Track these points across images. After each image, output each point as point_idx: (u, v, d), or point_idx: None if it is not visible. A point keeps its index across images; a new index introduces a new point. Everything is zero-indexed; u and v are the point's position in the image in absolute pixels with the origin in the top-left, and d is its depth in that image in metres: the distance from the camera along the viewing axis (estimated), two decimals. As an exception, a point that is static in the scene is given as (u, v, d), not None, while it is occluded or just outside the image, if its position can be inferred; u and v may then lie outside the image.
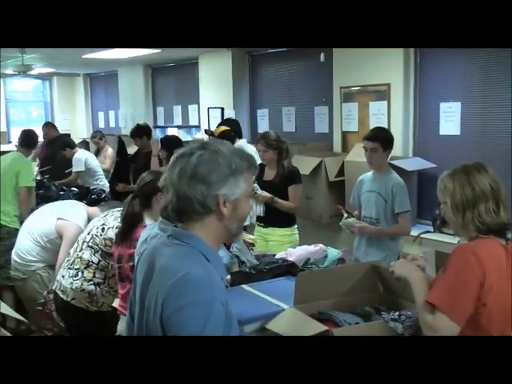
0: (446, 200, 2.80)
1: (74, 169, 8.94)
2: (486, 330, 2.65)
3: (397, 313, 3.07)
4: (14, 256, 5.55)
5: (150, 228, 3.30)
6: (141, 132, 8.51)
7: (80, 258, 4.43)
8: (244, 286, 3.77)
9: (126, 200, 4.03)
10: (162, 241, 2.22)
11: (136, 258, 3.18)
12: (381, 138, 5.08)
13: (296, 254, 4.54)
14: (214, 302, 1.97)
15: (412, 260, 3.03)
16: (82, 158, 8.98)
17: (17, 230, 6.25)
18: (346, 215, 5.17)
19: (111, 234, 4.30)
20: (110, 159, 10.17)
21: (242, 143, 7.10)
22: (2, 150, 10.78)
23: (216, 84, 10.63)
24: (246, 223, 6.29)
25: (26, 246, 5.47)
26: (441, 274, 2.74)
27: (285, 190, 5.71)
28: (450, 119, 6.93)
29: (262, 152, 5.77)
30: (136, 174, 7.72)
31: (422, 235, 6.55)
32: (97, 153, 10.28)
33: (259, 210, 5.70)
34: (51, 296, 4.83)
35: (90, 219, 5.28)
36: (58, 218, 5.40)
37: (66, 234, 5.27)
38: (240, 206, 2.16)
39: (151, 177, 3.88)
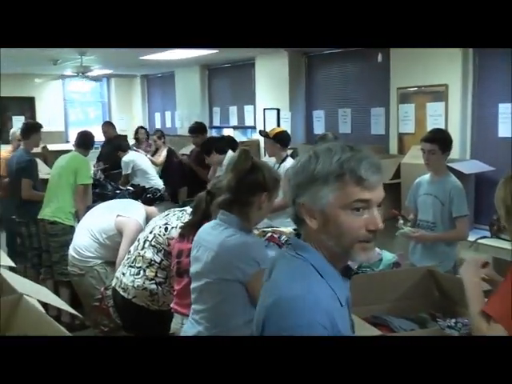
0: (500, 207, 2.73)
1: (123, 171, 9.04)
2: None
3: (453, 320, 3.02)
4: (71, 252, 5.61)
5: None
6: (201, 129, 8.57)
7: (142, 256, 4.46)
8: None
9: (199, 195, 4.03)
10: (283, 250, 2.12)
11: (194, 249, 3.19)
12: (439, 140, 4.98)
13: (350, 257, 4.51)
14: (313, 326, 1.78)
15: (481, 266, 2.92)
16: (129, 160, 9.05)
17: (71, 228, 6.35)
18: (401, 221, 5.08)
19: (174, 233, 4.31)
20: (162, 158, 10.25)
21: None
22: (60, 149, 11.03)
23: (272, 85, 10.62)
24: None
25: (84, 242, 5.52)
26: (502, 283, 2.66)
27: None
28: (508, 121, 6.79)
29: None
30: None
31: (479, 241, 6.43)
32: (154, 152, 10.34)
33: None
34: (108, 292, 4.86)
35: (148, 219, 5.33)
36: (118, 215, 5.45)
37: (125, 230, 5.30)
38: (330, 219, 1.86)
39: None
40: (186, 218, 4.39)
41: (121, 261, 4.92)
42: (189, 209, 4.53)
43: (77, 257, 5.53)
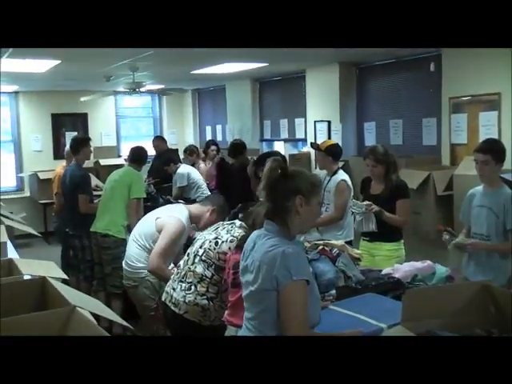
0: None
1: (178, 184, 9.10)
2: None
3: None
4: (124, 265, 5.67)
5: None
6: (241, 148, 8.56)
7: (193, 271, 4.47)
8: (330, 306, 3.79)
9: (254, 209, 4.04)
10: None
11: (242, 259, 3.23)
12: (493, 150, 4.88)
13: (403, 269, 4.46)
14: None
15: None
16: (184, 172, 9.13)
17: (123, 240, 6.42)
18: (447, 237, 4.98)
19: (225, 247, 4.33)
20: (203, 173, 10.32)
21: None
22: (112, 163, 11.19)
23: (323, 97, 10.60)
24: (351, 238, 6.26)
25: (133, 253, 5.56)
26: None
27: (392, 205, 5.62)
28: None
29: (371, 167, 5.72)
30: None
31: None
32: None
33: (372, 226, 5.62)
34: None
35: (191, 218, 5.36)
36: (157, 218, 5.47)
37: (166, 227, 5.31)
38: None
39: None
40: (236, 231, 4.40)
41: (158, 252, 5.01)
42: (237, 222, 4.54)
43: (129, 269, 5.58)
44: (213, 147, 10.78)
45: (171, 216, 5.40)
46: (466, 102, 7.74)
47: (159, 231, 5.37)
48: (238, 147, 8.58)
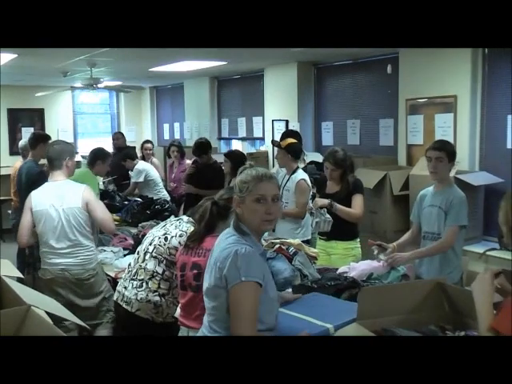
0: (502, 224, 2.74)
1: (133, 179, 9.04)
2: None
3: (462, 332, 3.01)
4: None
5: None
6: (206, 148, 8.51)
7: (144, 268, 4.44)
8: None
9: (202, 203, 4.03)
10: None
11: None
12: (446, 149, 5.00)
13: (359, 268, 4.51)
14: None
15: (494, 276, 2.90)
16: (142, 169, 9.08)
17: None
18: (376, 251, 4.96)
19: (175, 242, 4.31)
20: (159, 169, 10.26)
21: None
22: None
23: (281, 96, 10.63)
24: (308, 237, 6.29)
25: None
26: (509, 298, 2.65)
27: (348, 203, 5.67)
28: (518, 132, 6.80)
29: (330, 170, 5.75)
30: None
31: (488, 252, 6.42)
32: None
33: (327, 227, 5.63)
34: None
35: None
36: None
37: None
38: None
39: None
40: (184, 225, 4.39)
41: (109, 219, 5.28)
42: (185, 217, 4.54)
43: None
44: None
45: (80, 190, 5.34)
46: (423, 104, 7.83)
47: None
48: (203, 146, 8.53)
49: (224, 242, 3.03)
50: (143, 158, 10.06)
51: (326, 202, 5.56)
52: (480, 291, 2.76)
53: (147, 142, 10.84)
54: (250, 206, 3.02)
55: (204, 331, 3.13)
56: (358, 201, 5.71)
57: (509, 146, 6.89)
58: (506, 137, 6.92)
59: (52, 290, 5.12)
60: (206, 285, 3.09)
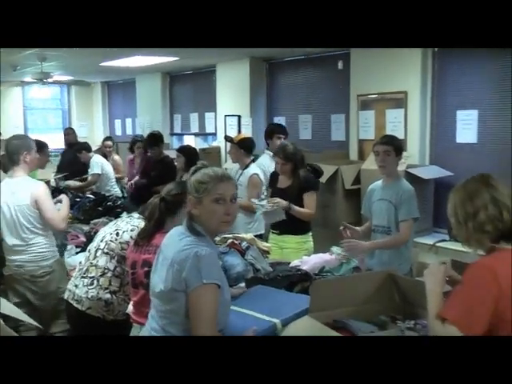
0: (451, 216, 2.81)
1: (92, 171, 8.99)
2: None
3: (412, 322, 3.05)
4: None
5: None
6: (157, 141, 8.48)
7: (95, 265, 4.38)
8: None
9: (151, 201, 4.00)
10: None
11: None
12: (393, 143, 5.08)
13: (311, 262, 4.53)
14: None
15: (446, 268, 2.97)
16: (98, 161, 9.04)
17: None
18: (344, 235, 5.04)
19: (127, 237, 4.27)
20: (121, 167, 10.21)
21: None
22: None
23: (233, 92, 10.64)
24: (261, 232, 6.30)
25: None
26: (457, 287, 2.71)
27: (300, 198, 5.70)
28: (467, 127, 6.91)
29: (280, 165, 5.77)
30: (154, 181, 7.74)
31: (438, 244, 6.52)
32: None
33: (279, 217, 5.65)
34: None
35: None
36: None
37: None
38: None
39: (182, 186, 3.83)
40: (135, 221, 4.36)
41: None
42: (135, 214, 4.51)
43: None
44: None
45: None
46: (374, 100, 7.91)
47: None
48: (155, 138, 8.49)
49: (179, 243, 2.94)
50: (104, 156, 9.99)
51: (284, 204, 5.58)
52: (431, 281, 2.83)
53: (107, 138, 10.78)
54: (209, 206, 2.94)
55: (155, 335, 3.02)
56: (310, 199, 5.74)
57: (458, 141, 7.01)
58: (455, 132, 7.04)
59: (11, 287, 5.13)
60: (158, 287, 2.98)
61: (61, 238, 5.83)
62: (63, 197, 5.62)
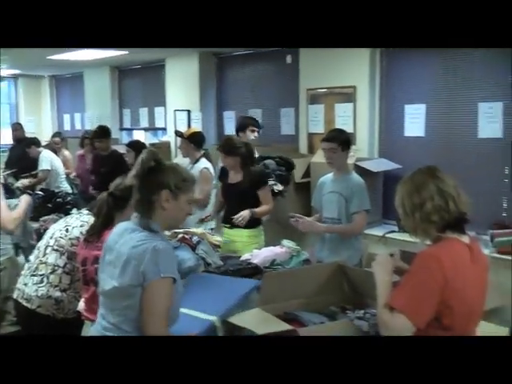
0: (398, 207, 2.88)
1: (41, 167, 8.89)
2: (448, 329, 2.68)
3: (362, 311, 3.10)
4: None
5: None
6: (106, 133, 8.44)
7: (45, 263, 4.32)
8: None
9: (99, 197, 3.98)
10: None
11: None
12: (338, 139, 5.12)
13: (261, 255, 4.55)
14: None
15: (394, 259, 3.03)
16: (48, 156, 8.95)
17: None
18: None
19: (77, 232, 4.23)
20: (70, 162, 10.12)
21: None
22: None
23: (183, 86, 10.60)
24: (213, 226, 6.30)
25: None
26: (404, 277, 2.77)
27: (254, 194, 5.70)
28: (414, 121, 7.01)
29: (223, 158, 5.79)
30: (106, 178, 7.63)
31: (388, 235, 6.59)
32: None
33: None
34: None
35: None
36: None
37: None
38: None
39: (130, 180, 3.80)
40: (85, 217, 4.33)
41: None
42: (85, 210, 4.48)
43: None
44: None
45: None
46: (323, 94, 7.96)
47: None
48: (104, 129, 8.46)
49: (132, 238, 2.90)
50: (53, 151, 9.86)
51: (247, 215, 5.59)
52: (379, 271, 2.89)
53: (56, 134, 10.67)
54: (182, 205, 2.98)
55: (109, 335, 2.94)
56: (266, 195, 5.76)
57: (406, 134, 7.11)
58: (403, 125, 7.14)
59: None
60: (110, 285, 2.94)
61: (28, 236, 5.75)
62: (23, 197, 5.50)
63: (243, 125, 6.90)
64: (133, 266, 2.82)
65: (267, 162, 7.06)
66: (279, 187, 6.61)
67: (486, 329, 3.38)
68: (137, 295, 2.83)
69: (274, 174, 6.81)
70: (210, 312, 3.24)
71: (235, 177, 5.82)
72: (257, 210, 5.65)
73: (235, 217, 5.55)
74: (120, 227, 3.09)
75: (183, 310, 3.25)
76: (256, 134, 6.79)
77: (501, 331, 3.81)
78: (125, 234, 2.98)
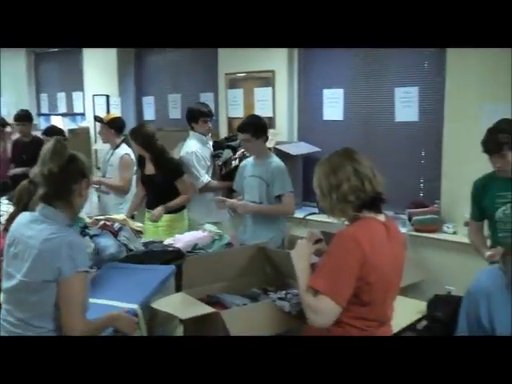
0: (316, 188, 2.95)
1: None
2: (367, 304, 2.78)
3: (283, 292, 3.16)
4: None
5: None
6: (28, 117, 8.31)
7: None
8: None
9: (21, 185, 3.92)
10: None
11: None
12: (250, 128, 5.16)
13: (184, 239, 4.58)
14: None
15: (314, 243, 3.09)
16: None
17: None
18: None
19: None
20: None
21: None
22: None
23: (101, 71, 10.45)
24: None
25: None
26: (324, 257, 2.84)
27: (170, 185, 5.70)
28: (333, 105, 7.11)
29: (134, 146, 5.81)
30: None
31: (308, 217, 6.70)
32: None
33: None
34: None
35: None
36: None
37: None
38: None
39: None
40: (4, 206, 4.27)
41: None
42: (3, 200, 4.41)
43: None
44: None
45: None
46: (242, 79, 7.99)
47: None
48: (26, 114, 8.34)
49: (41, 231, 2.85)
50: None
51: (158, 214, 5.59)
52: (298, 258, 2.95)
53: None
54: (86, 191, 3.02)
55: (18, 331, 2.87)
56: (182, 185, 5.76)
57: (325, 118, 7.20)
58: (322, 109, 7.23)
59: None
60: (16, 280, 2.87)
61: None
62: None
63: (194, 116, 6.53)
64: (46, 260, 2.78)
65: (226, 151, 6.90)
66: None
67: (404, 303, 3.51)
68: (48, 290, 2.79)
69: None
70: (130, 301, 3.23)
71: (150, 168, 5.82)
72: (170, 203, 5.66)
73: (150, 215, 5.60)
74: (24, 218, 3.03)
75: (103, 302, 3.27)
76: (209, 124, 6.52)
77: (418, 305, 3.94)
78: (33, 226, 2.91)
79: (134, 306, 3.18)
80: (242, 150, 6.23)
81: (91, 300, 3.09)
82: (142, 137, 5.73)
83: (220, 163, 6.43)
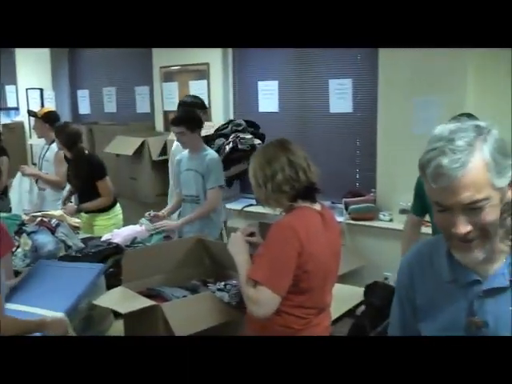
0: (251, 179, 2.99)
1: None
2: (306, 292, 2.84)
3: (222, 283, 3.20)
4: None
5: None
6: None
7: None
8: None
9: None
10: None
11: None
12: (185, 122, 5.14)
13: (122, 234, 4.58)
14: None
15: (247, 235, 3.13)
16: None
17: None
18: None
19: None
20: None
21: None
22: None
23: (34, 64, 10.29)
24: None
25: None
26: (261, 248, 2.88)
27: (93, 186, 5.63)
28: (268, 97, 7.17)
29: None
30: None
31: (246, 209, 6.75)
32: None
33: None
34: None
35: None
36: None
37: None
38: None
39: None
40: None
41: None
42: None
43: None
44: None
45: None
46: (177, 71, 7.99)
47: None
48: None
49: None
50: None
51: (73, 210, 5.54)
52: (236, 251, 2.99)
53: None
54: None
55: None
56: (103, 186, 5.67)
57: (260, 110, 7.26)
58: (257, 101, 7.28)
59: None
60: None
61: None
62: None
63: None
64: None
65: (237, 121, 6.88)
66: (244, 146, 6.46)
67: (342, 290, 3.59)
68: None
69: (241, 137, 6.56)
70: (56, 308, 3.07)
71: (74, 165, 5.78)
72: (85, 205, 5.61)
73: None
74: None
75: (28, 309, 3.16)
76: (205, 116, 6.21)
77: (356, 291, 4.02)
78: None
79: (59, 315, 2.98)
80: (235, 135, 6.29)
81: (15, 307, 3.06)
82: (67, 136, 5.67)
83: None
